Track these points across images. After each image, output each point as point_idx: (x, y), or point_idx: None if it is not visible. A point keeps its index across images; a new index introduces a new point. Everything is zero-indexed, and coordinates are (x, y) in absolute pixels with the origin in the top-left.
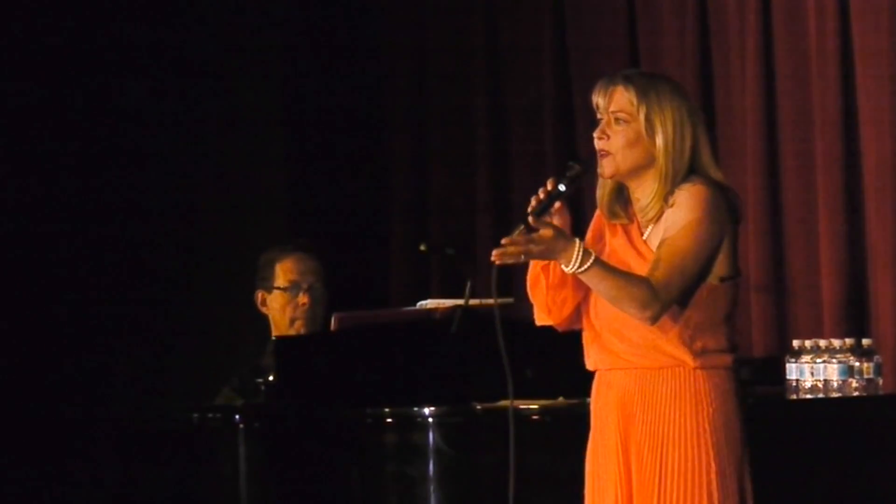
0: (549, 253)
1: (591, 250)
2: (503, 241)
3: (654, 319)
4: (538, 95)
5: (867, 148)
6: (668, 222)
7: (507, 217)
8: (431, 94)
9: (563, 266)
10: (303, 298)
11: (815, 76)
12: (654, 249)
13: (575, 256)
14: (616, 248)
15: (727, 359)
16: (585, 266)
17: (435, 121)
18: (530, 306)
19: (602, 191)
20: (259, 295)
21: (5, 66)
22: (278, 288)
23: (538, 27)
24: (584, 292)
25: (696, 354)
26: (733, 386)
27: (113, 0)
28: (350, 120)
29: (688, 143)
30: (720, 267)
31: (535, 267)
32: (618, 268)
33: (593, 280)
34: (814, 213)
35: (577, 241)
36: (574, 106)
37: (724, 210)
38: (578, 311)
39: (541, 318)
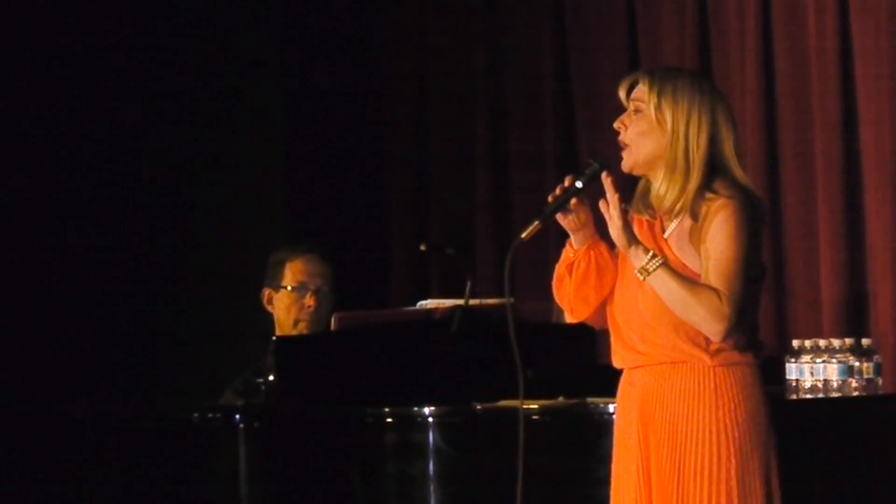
0: (623, 239)
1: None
2: (522, 236)
3: (725, 332)
4: (538, 95)
5: (867, 148)
6: (705, 239)
7: (507, 217)
8: (431, 95)
9: (634, 262)
10: (309, 300)
11: (815, 76)
12: (675, 250)
13: (649, 256)
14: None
15: (748, 356)
16: (656, 264)
17: (435, 121)
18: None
19: (639, 186)
20: (266, 293)
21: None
22: (286, 287)
23: (538, 27)
24: (607, 291)
25: (713, 354)
26: (757, 381)
27: (112, 4)
28: (350, 120)
29: (704, 137)
30: None
31: (560, 266)
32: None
33: (662, 280)
34: (814, 213)
35: (644, 246)
36: (574, 105)
37: (751, 217)
38: (604, 311)
39: (567, 317)
